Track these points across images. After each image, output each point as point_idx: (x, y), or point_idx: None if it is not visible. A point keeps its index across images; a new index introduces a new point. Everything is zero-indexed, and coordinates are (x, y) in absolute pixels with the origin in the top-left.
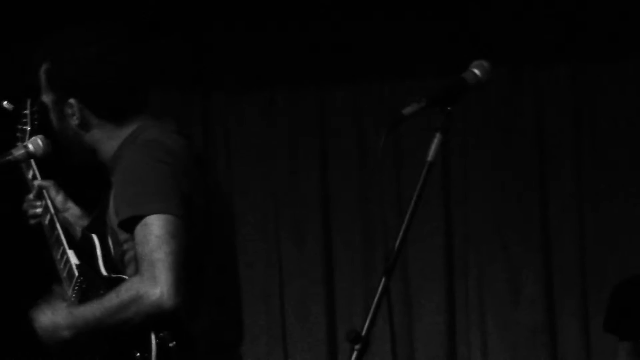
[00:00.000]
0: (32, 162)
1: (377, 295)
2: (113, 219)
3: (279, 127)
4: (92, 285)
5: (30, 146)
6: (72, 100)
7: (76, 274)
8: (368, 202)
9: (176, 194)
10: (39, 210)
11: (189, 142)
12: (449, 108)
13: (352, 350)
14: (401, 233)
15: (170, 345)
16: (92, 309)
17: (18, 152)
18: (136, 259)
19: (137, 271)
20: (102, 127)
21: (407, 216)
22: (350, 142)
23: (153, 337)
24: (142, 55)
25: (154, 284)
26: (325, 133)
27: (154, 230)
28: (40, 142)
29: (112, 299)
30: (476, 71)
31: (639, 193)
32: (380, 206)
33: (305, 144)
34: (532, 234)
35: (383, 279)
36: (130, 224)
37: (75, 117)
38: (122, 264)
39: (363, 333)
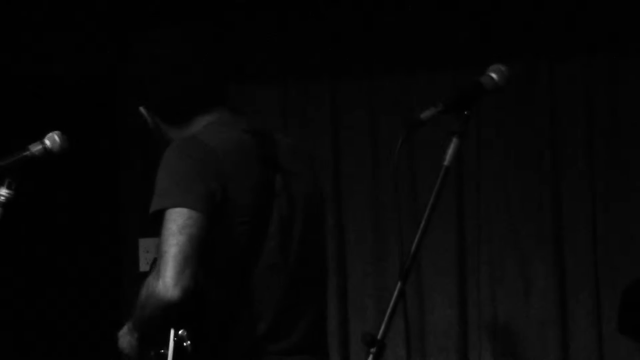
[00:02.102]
0: None
1: (393, 300)
2: None
3: (292, 119)
4: None
5: (48, 142)
6: (141, 108)
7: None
8: (380, 196)
9: (198, 188)
10: None
11: (255, 140)
12: (465, 112)
13: (368, 353)
14: (417, 238)
15: (185, 344)
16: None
17: (35, 148)
18: None
19: None
20: (172, 130)
21: (423, 222)
22: (363, 135)
23: (172, 335)
24: (204, 66)
25: (158, 277)
26: (338, 126)
27: (167, 224)
28: (57, 137)
29: (139, 298)
30: (494, 75)
31: None
32: (393, 200)
33: (318, 137)
34: (544, 227)
35: (399, 283)
36: (156, 219)
37: (149, 122)
38: None
39: (379, 336)
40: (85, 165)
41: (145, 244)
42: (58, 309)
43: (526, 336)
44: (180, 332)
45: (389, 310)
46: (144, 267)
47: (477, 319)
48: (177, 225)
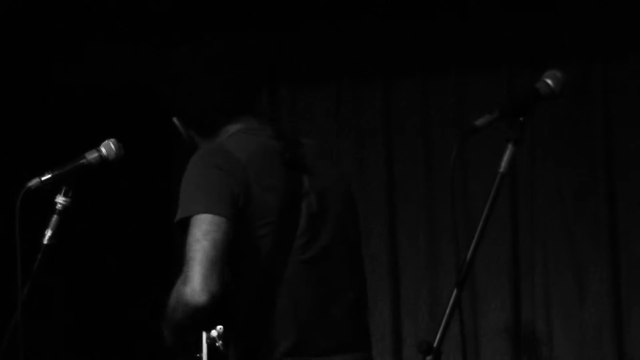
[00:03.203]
0: None
1: (449, 307)
2: None
3: (345, 120)
4: None
5: (104, 149)
6: (174, 119)
7: None
8: (433, 197)
9: (221, 194)
10: None
11: (281, 144)
12: (521, 119)
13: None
14: (473, 246)
15: (217, 344)
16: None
17: (91, 155)
18: None
19: None
20: (202, 139)
21: (479, 230)
22: (416, 136)
23: (204, 337)
24: (235, 80)
25: (184, 283)
26: (391, 127)
27: (192, 230)
28: (112, 145)
29: (168, 304)
30: (549, 81)
31: None
32: (445, 202)
33: (371, 138)
34: (599, 230)
35: (455, 291)
36: (182, 227)
37: (183, 133)
38: None
39: (435, 344)
40: (139, 172)
41: None
42: (113, 311)
43: (580, 341)
44: (212, 332)
45: (445, 319)
46: None
47: (531, 322)
48: (202, 231)
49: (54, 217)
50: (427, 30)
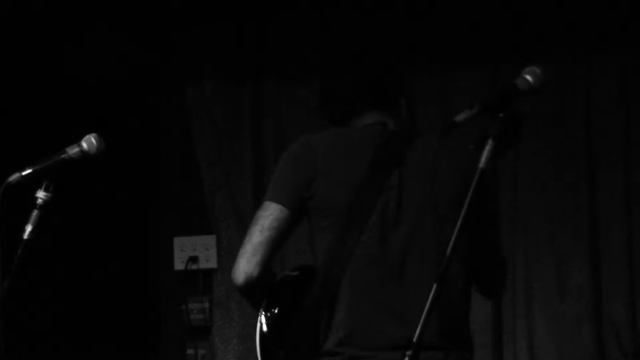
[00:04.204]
0: None
1: (429, 302)
2: None
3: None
4: None
5: (84, 144)
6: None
7: None
8: None
9: (285, 182)
10: None
11: (380, 138)
12: (501, 114)
13: (404, 355)
14: (453, 239)
15: (263, 327)
16: None
17: (72, 150)
18: None
19: None
20: None
21: (459, 224)
22: None
23: (261, 316)
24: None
25: (234, 261)
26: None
27: (255, 215)
28: (94, 140)
29: None
30: (528, 77)
31: None
32: None
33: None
34: (580, 225)
35: (435, 286)
36: None
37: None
38: None
39: (414, 339)
40: (125, 164)
41: (180, 243)
42: (94, 306)
43: (561, 334)
44: (265, 313)
45: (424, 313)
46: (179, 265)
47: (512, 317)
48: (257, 216)
49: (35, 212)
50: (405, 24)
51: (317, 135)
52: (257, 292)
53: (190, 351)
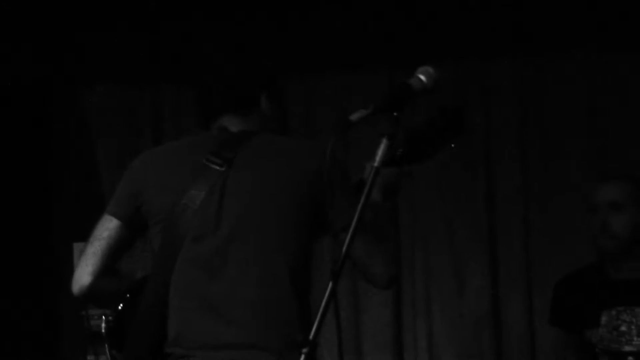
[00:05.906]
0: None
1: (325, 300)
2: None
3: None
4: None
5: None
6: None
7: None
8: None
9: (120, 194)
10: None
11: (212, 142)
12: (395, 114)
13: (300, 354)
14: (348, 238)
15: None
16: None
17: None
18: None
19: None
20: None
21: (354, 222)
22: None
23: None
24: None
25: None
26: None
27: None
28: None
29: None
30: (422, 77)
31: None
32: None
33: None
34: (478, 226)
35: (330, 284)
36: None
37: None
38: None
39: (310, 336)
40: (17, 172)
41: (80, 248)
42: None
43: (461, 334)
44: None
45: (320, 311)
46: None
47: (412, 318)
48: (94, 229)
49: None
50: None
51: (158, 147)
52: (99, 297)
53: (90, 357)
